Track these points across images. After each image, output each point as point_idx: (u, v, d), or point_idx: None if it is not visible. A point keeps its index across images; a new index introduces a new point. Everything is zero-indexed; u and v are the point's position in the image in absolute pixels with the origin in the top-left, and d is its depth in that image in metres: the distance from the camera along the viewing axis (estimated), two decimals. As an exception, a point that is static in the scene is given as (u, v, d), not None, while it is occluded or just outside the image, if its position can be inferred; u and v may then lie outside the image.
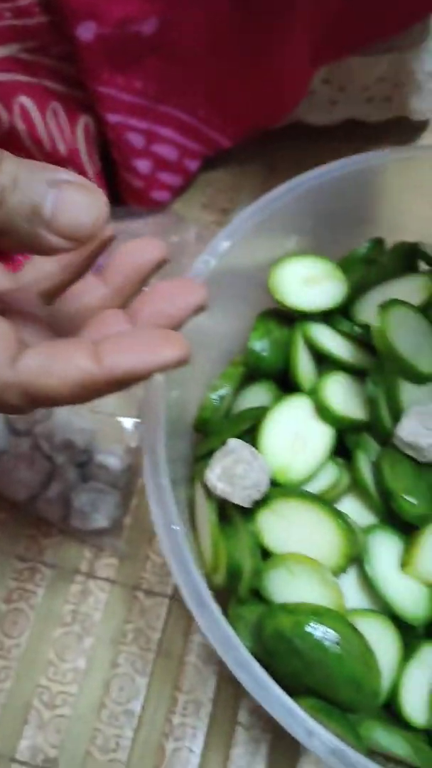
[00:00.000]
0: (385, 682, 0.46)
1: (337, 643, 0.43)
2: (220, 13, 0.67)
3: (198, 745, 0.53)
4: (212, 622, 0.39)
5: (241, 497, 0.47)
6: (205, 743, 0.53)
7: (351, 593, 0.49)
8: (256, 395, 0.56)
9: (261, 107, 0.77)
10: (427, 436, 0.49)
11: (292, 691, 0.43)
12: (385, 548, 0.49)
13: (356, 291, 0.58)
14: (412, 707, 0.46)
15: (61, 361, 0.31)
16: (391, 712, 0.47)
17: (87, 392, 0.32)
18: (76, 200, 0.30)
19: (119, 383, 0.32)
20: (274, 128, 0.83)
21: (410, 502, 0.49)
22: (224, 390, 0.54)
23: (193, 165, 0.80)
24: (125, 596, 0.58)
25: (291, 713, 0.37)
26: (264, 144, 0.84)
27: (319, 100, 0.81)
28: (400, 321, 0.52)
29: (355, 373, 0.55)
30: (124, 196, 0.78)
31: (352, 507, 0.52)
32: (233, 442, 0.49)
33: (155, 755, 0.53)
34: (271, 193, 0.52)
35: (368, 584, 0.48)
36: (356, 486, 0.52)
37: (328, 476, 0.52)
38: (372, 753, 0.46)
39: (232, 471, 0.47)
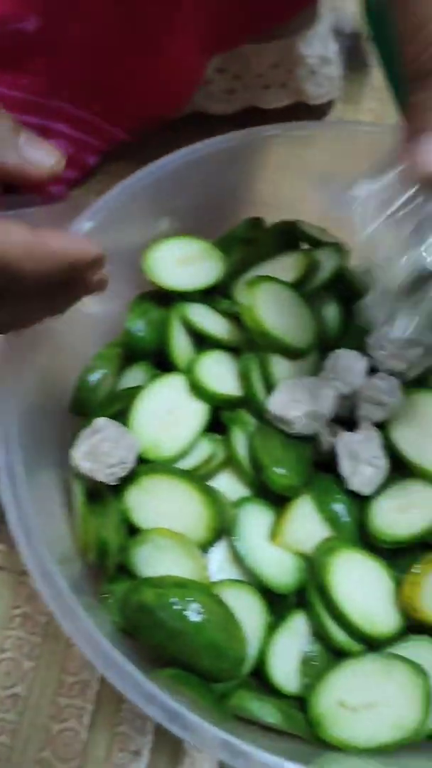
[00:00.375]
0: (253, 650, 0.46)
1: (198, 613, 0.43)
2: (105, 10, 0.67)
3: (84, 726, 0.53)
4: (55, 593, 0.39)
5: (105, 474, 0.47)
6: (91, 723, 0.54)
7: (225, 565, 0.50)
8: (135, 376, 0.56)
9: (155, 100, 0.77)
10: (295, 409, 0.50)
11: (159, 663, 0.44)
12: (254, 521, 0.50)
13: (236, 270, 0.59)
14: (283, 675, 0.47)
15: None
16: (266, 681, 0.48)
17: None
18: (39, 141, 0.39)
19: None
20: (175, 119, 0.83)
21: (278, 473, 0.49)
22: (100, 372, 0.54)
23: (91, 159, 0.80)
24: (12, 582, 0.58)
25: (128, 679, 0.37)
26: (167, 135, 0.84)
27: (217, 89, 0.81)
28: (270, 297, 0.53)
29: (233, 350, 0.56)
30: (22, 187, 0.77)
31: (227, 482, 0.53)
32: (100, 421, 0.49)
33: (41, 737, 0.53)
34: (135, 175, 0.53)
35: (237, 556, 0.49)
36: (232, 461, 0.53)
37: (202, 452, 0.52)
38: (248, 722, 0.46)
39: (97, 449, 0.48)
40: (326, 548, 0.47)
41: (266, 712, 0.45)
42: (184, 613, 0.43)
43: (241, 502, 0.50)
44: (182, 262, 0.57)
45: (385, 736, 0.43)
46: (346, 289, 0.57)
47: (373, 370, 0.53)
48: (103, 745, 0.54)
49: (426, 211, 0.35)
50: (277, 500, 0.51)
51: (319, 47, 0.77)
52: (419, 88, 0.39)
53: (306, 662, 0.47)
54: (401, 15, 0.40)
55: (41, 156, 0.38)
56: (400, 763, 0.43)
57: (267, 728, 0.45)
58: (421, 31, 0.39)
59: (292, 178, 0.61)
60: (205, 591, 0.45)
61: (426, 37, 0.38)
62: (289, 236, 0.61)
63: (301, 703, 0.46)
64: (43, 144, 0.38)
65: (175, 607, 0.43)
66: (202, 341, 0.57)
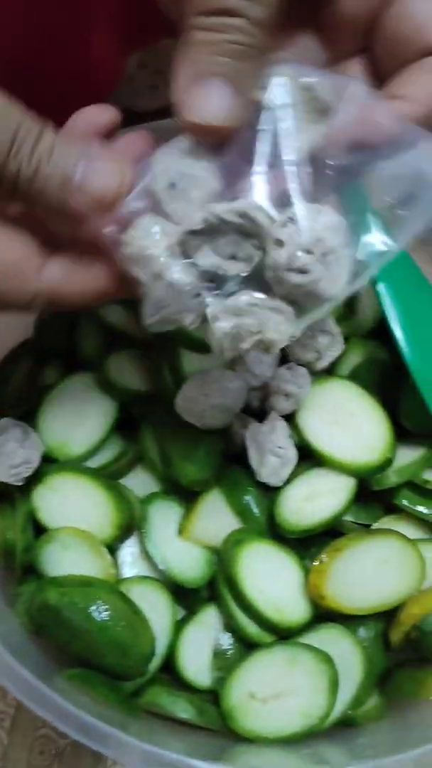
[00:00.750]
0: (162, 646, 0.46)
1: (102, 612, 0.43)
2: (17, 11, 0.66)
3: (5, 729, 0.53)
4: None
5: (8, 475, 0.47)
6: (12, 726, 0.53)
7: (138, 562, 0.49)
8: (47, 375, 0.55)
9: (75, 99, 0.76)
10: (203, 402, 0.50)
11: (69, 664, 0.44)
12: (163, 516, 0.50)
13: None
14: (194, 669, 0.47)
15: (82, 271, 0.34)
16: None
17: (103, 299, 0.35)
18: (103, 168, 0.32)
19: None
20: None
21: (187, 467, 0.49)
22: (8, 372, 0.54)
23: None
24: None
25: (21, 683, 0.37)
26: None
27: (140, 85, 0.81)
28: (177, 290, 0.52)
29: (145, 346, 0.55)
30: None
31: (140, 478, 0.52)
32: (4, 421, 0.48)
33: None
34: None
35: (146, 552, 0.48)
36: (143, 457, 0.52)
37: (112, 449, 0.52)
38: (163, 718, 0.46)
39: (1, 450, 0.47)
40: (234, 540, 0.47)
41: (179, 707, 0.45)
42: (88, 611, 0.43)
43: (150, 499, 0.50)
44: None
45: (294, 726, 0.43)
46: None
47: (284, 361, 0.53)
48: (25, 748, 0.53)
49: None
50: (190, 495, 0.50)
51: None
52: (199, 25, 0.32)
53: (218, 656, 0.47)
54: None
55: (102, 189, 0.32)
56: (310, 750, 0.43)
57: (181, 723, 0.45)
58: None
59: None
60: (110, 589, 0.44)
61: None
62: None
63: (214, 696, 0.46)
64: (104, 169, 0.32)
65: (78, 606, 0.43)
66: (114, 337, 0.56)
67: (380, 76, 0.37)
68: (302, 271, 0.31)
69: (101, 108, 0.39)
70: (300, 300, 0.33)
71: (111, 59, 0.75)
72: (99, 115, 0.39)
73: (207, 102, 0.31)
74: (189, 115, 0.32)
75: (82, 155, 0.32)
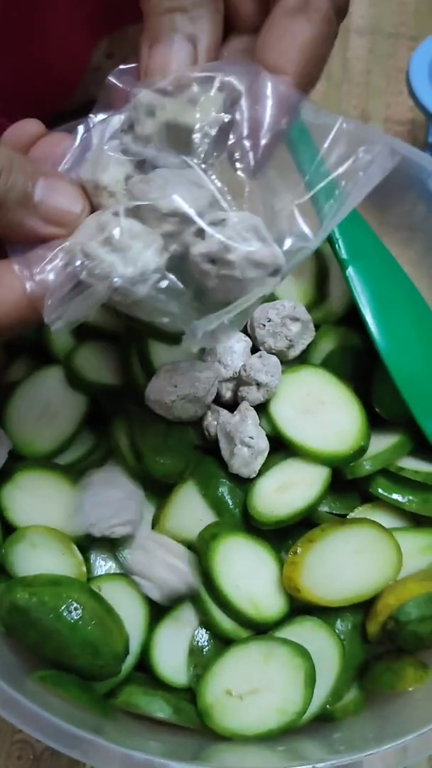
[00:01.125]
0: (136, 644, 0.45)
1: (72, 611, 0.42)
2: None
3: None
4: None
5: (-27, 474, 0.45)
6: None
7: (110, 560, 0.48)
8: (16, 370, 0.54)
9: (41, 88, 0.75)
10: (172, 394, 0.49)
11: (37, 667, 0.43)
12: (135, 511, 0.48)
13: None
14: (170, 667, 0.46)
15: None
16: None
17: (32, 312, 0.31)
18: (63, 190, 0.32)
19: None
20: (69, 109, 0.81)
21: (158, 460, 0.48)
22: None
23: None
24: None
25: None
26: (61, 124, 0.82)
27: (107, 76, 0.79)
28: (144, 281, 0.51)
29: (114, 338, 0.54)
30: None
31: (112, 473, 0.51)
32: (-32, 419, 0.47)
33: None
34: None
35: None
36: (115, 452, 0.51)
37: (83, 445, 0.51)
38: (141, 718, 0.45)
39: (-35, 448, 0.46)
40: (209, 535, 0.46)
41: (155, 707, 0.44)
42: (58, 611, 0.42)
43: (121, 494, 0.49)
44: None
45: (271, 722, 0.42)
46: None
47: (255, 350, 0.52)
48: (1, 754, 0.52)
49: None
50: (164, 489, 0.49)
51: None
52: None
53: (194, 653, 0.46)
54: None
55: (62, 205, 0.32)
56: (286, 747, 0.42)
57: (158, 723, 0.44)
58: None
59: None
60: (80, 587, 0.43)
61: None
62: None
63: (191, 695, 0.45)
64: (65, 189, 0.32)
65: (48, 605, 0.42)
66: (82, 331, 0.55)
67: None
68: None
69: (29, 122, 0.38)
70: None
71: (80, 44, 0.74)
72: (28, 128, 0.37)
73: (167, 56, 0.32)
74: (150, 72, 0.32)
75: (39, 173, 0.32)
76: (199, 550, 0.46)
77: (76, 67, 0.75)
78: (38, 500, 0.47)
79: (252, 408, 0.48)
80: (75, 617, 0.42)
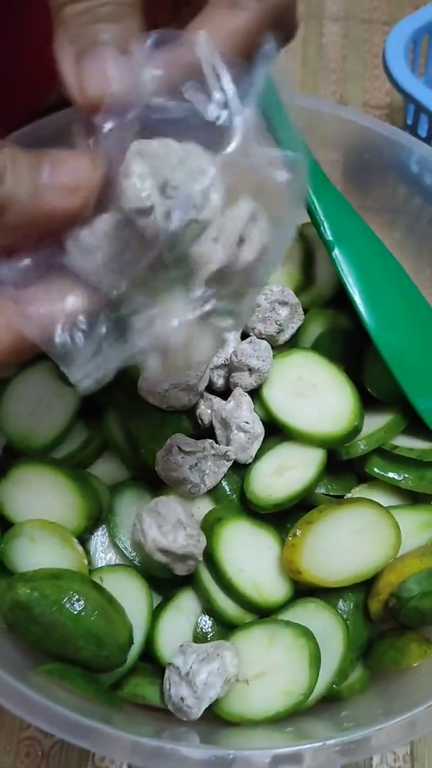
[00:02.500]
0: (140, 633, 0.45)
1: (74, 603, 0.42)
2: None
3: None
4: None
5: (-31, 471, 0.45)
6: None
7: (110, 550, 0.48)
8: (5, 368, 0.54)
9: (21, 88, 0.75)
10: (164, 383, 0.49)
11: (42, 662, 0.42)
12: (132, 505, 0.48)
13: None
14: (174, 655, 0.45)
15: None
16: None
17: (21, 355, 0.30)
18: (69, 161, 0.30)
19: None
20: (45, 106, 0.80)
21: (154, 450, 0.48)
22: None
23: None
24: None
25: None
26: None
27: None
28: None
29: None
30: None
31: (108, 465, 0.51)
32: (-39, 417, 0.47)
33: None
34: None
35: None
36: (110, 443, 0.51)
37: (77, 438, 0.51)
38: (147, 708, 0.45)
39: (-41, 446, 0.46)
40: (214, 518, 0.46)
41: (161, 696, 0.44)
42: (60, 604, 0.42)
43: (117, 488, 0.49)
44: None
45: (278, 704, 0.42)
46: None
47: (246, 336, 0.52)
48: (10, 752, 0.52)
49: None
50: (160, 481, 0.49)
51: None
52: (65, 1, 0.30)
53: (198, 640, 0.46)
54: None
55: (74, 178, 0.30)
56: (294, 728, 0.42)
57: (165, 712, 0.44)
58: None
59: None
60: (82, 579, 0.43)
61: None
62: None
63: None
64: (71, 162, 0.30)
65: (49, 599, 0.42)
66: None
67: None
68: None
69: None
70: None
71: (53, 48, 0.73)
72: None
73: (101, 73, 0.30)
74: (87, 94, 0.30)
75: (42, 158, 0.30)
76: (204, 533, 0.46)
77: (54, 68, 0.75)
78: (35, 495, 0.47)
79: (246, 394, 0.48)
80: (77, 609, 0.42)
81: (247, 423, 0.47)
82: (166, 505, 0.45)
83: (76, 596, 0.42)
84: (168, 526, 0.44)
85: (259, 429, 0.48)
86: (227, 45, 0.31)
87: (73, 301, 0.30)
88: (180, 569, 0.45)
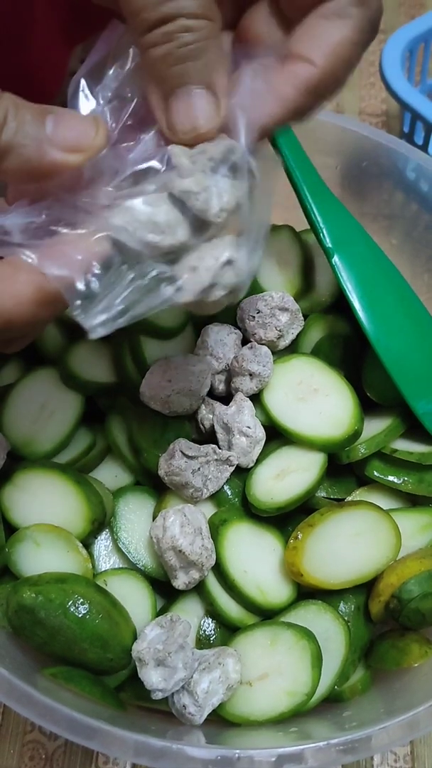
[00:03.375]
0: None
1: (79, 606, 0.42)
2: None
3: (-9, 738, 0.52)
4: None
5: (-26, 476, 0.46)
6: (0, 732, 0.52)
7: (113, 554, 0.49)
8: (8, 374, 0.54)
9: (25, 94, 0.75)
10: (167, 388, 0.49)
11: (47, 665, 0.43)
12: (135, 509, 0.49)
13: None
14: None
15: (7, 281, 0.30)
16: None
17: (45, 308, 0.30)
18: (74, 117, 0.31)
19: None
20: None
21: (157, 455, 0.48)
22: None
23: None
24: None
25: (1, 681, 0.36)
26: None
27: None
28: (133, 279, 0.52)
29: (105, 336, 0.54)
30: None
31: (111, 469, 0.52)
32: (-34, 422, 0.47)
33: None
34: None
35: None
36: (113, 448, 0.52)
37: (80, 443, 0.51)
38: (151, 710, 0.46)
39: (-36, 451, 0.46)
40: (219, 520, 0.47)
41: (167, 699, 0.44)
42: (65, 607, 0.42)
43: (120, 492, 0.49)
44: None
45: (282, 705, 0.43)
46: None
47: (247, 342, 0.53)
48: (14, 755, 0.52)
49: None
50: (163, 483, 0.50)
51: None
52: (147, 44, 0.30)
53: (201, 642, 0.46)
54: None
55: (78, 135, 0.31)
56: (297, 728, 0.43)
57: (169, 714, 0.45)
58: None
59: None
60: (86, 583, 0.44)
61: None
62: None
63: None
64: (75, 119, 0.31)
65: (54, 603, 0.42)
66: (75, 330, 0.55)
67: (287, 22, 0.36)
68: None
69: None
70: None
71: (56, 54, 0.74)
72: None
73: (192, 112, 0.31)
74: (180, 132, 0.31)
75: (47, 110, 0.31)
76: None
77: (56, 75, 0.76)
78: (39, 499, 0.47)
79: (247, 399, 0.49)
80: (82, 612, 0.42)
81: (248, 428, 0.48)
82: (193, 511, 0.46)
83: (81, 600, 0.42)
84: (190, 528, 0.44)
85: (261, 433, 0.48)
86: (332, 59, 0.33)
87: (94, 249, 0.30)
88: (181, 579, 0.45)
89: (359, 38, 0.34)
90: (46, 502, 0.47)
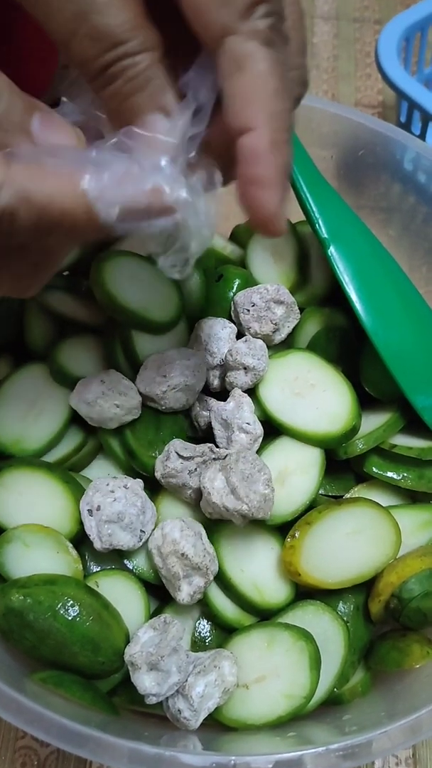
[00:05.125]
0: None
1: (69, 608, 0.41)
2: None
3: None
4: None
5: (-39, 476, 0.44)
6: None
7: (105, 555, 0.47)
8: (-2, 370, 0.53)
9: None
10: (161, 384, 0.48)
11: (35, 669, 0.42)
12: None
13: (96, 249, 0.56)
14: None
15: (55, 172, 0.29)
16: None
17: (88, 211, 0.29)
18: (59, 124, 0.31)
19: None
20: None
21: (152, 456, 0.47)
22: None
23: None
24: None
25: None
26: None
27: (76, 73, 0.78)
28: (124, 272, 0.50)
29: (96, 332, 0.53)
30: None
31: (102, 468, 0.51)
32: None
33: None
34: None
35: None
36: (106, 449, 0.50)
37: (71, 441, 0.50)
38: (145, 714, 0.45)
39: None
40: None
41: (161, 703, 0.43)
42: (55, 610, 0.41)
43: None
44: (34, 246, 0.54)
45: (280, 708, 0.42)
46: (207, 256, 0.55)
47: (241, 337, 0.52)
48: (5, 762, 0.51)
49: None
50: (154, 484, 0.49)
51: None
52: (237, 67, 0.30)
53: (197, 644, 0.45)
54: None
55: (60, 140, 0.31)
56: (296, 732, 0.42)
57: (164, 718, 0.43)
58: None
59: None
60: (76, 584, 0.42)
61: None
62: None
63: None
64: (61, 124, 0.31)
65: (44, 605, 0.41)
66: (65, 326, 0.54)
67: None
68: None
69: None
70: None
71: (46, 48, 0.73)
72: None
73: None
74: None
75: (36, 106, 0.31)
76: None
77: (47, 68, 0.74)
78: (26, 499, 0.46)
79: (246, 395, 0.48)
80: (72, 615, 0.41)
81: (248, 424, 0.46)
82: (191, 521, 0.45)
83: (71, 602, 0.41)
84: (190, 531, 0.43)
85: (260, 430, 0.47)
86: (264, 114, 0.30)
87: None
88: (185, 591, 0.43)
89: (278, 87, 0.30)
90: (33, 501, 0.46)
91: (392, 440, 0.48)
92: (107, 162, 0.30)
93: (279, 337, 0.51)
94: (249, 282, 0.53)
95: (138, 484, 0.46)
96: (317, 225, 0.48)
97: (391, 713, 0.40)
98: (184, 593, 0.43)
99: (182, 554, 0.42)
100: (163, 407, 0.49)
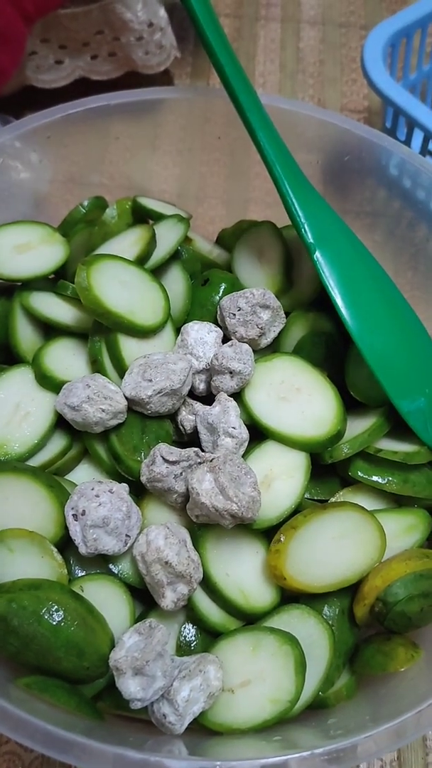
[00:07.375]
0: (122, 643, 0.44)
1: (54, 612, 0.41)
2: None
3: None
4: None
5: None
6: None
7: (89, 559, 0.47)
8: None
9: None
10: (147, 388, 0.48)
11: (19, 674, 0.41)
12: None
13: (83, 252, 0.56)
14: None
15: None
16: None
17: None
18: None
19: None
20: (6, 94, 0.79)
21: (138, 460, 0.47)
22: None
23: None
24: None
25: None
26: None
27: (44, 61, 0.78)
28: (109, 276, 0.50)
29: (82, 336, 0.53)
30: None
31: (87, 472, 0.50)
32: None
33: None
34: None
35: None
36: (91, 453, 0.50)
37: (56, 445, 0.50)
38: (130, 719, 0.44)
39: None
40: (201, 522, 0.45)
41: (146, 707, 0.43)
42: (39, 614, 0.41)
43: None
44: (20, 249, 0.54)
45: (265, 713, 0.42)
46: (193, 260, 0.55)
47: (227, 341, 0.52)
48: (-11, 767, 0.50)
49: None
50: (141, 486, 0.48)
51: (144, 13, 0.75)
52: None
53: (182, 649, 0.45)
54: None
55: None
56: (281, 737, 0.42)
57: (149, 723, 0.43)
58: None
59: (141, 152, 0.59)
60: (61, 589, 0.42)
61: None
62: (136, 214, 0.59)
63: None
64: None
65: (28, 610, 0.41)
66: (51, 330, 0.54)
67: None
68: None
69: None
70: None
71: (16, 31, 0.72)
72: None
73: None
74: None
75: None
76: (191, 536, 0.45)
77: (15, 54, 0.74)
78: (11, 503, 0.45)
79: (231, 399, 0.48)
80: (56, 620, 0.41)
81: (234, 428, 0.46)
82: (175, 526, 0.45)
83: (55, 606, 0.41)
84: (174, 539, 0.43)
85: (246, 434, 0.47)
86: None
87: None
88: (169, 598, 0.43)
89: None
90: (17, 506, 0.45)
91: (377, 444, 0.48)
92: None
93: (265, 341, 0.52)
94: (235, 286, 0.53)
95: (123, 488, 0.46)
96: (303, 230, 0.48)
97: (375, 717, 0.40)
98: (168, 600, 0.43)
99: (166, 562, 0.42)
100: (149, 411, 0.48)
